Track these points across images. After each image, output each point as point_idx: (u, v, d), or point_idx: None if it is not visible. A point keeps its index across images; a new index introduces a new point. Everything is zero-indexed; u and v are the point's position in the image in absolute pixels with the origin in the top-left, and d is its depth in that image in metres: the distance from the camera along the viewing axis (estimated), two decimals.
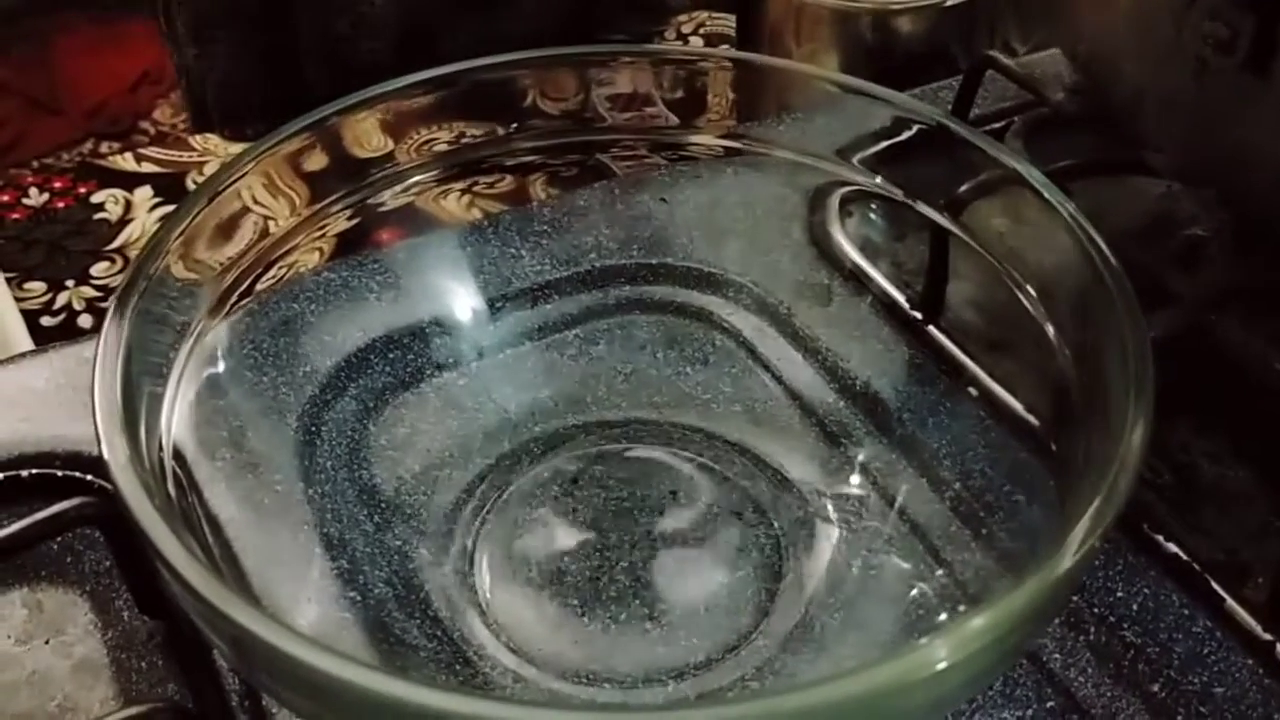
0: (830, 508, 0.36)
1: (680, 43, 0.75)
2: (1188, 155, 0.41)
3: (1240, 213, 0.44)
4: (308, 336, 0.38)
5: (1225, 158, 0.37)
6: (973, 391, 0.37)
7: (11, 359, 0.41)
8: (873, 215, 0.43)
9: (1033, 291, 0.33)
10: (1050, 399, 0.32)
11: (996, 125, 0.50)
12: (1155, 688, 0.32)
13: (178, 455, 0.30)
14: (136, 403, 0.28)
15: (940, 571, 0.33)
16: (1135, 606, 0.34)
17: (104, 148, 0.69)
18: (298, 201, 0.36)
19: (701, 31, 0.77)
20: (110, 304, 0.30)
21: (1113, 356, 0.28)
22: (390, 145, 0.38)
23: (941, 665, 0.23)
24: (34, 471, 0.37)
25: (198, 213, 0.32)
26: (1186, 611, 0.34)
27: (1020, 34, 0.64)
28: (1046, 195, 0.32)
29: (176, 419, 0.31)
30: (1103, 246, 0.30)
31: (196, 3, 0.64)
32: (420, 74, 0.37)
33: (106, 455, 0.26)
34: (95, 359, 0.28)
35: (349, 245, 0.38)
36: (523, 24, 0.71)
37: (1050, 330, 0.32)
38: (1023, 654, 0.32)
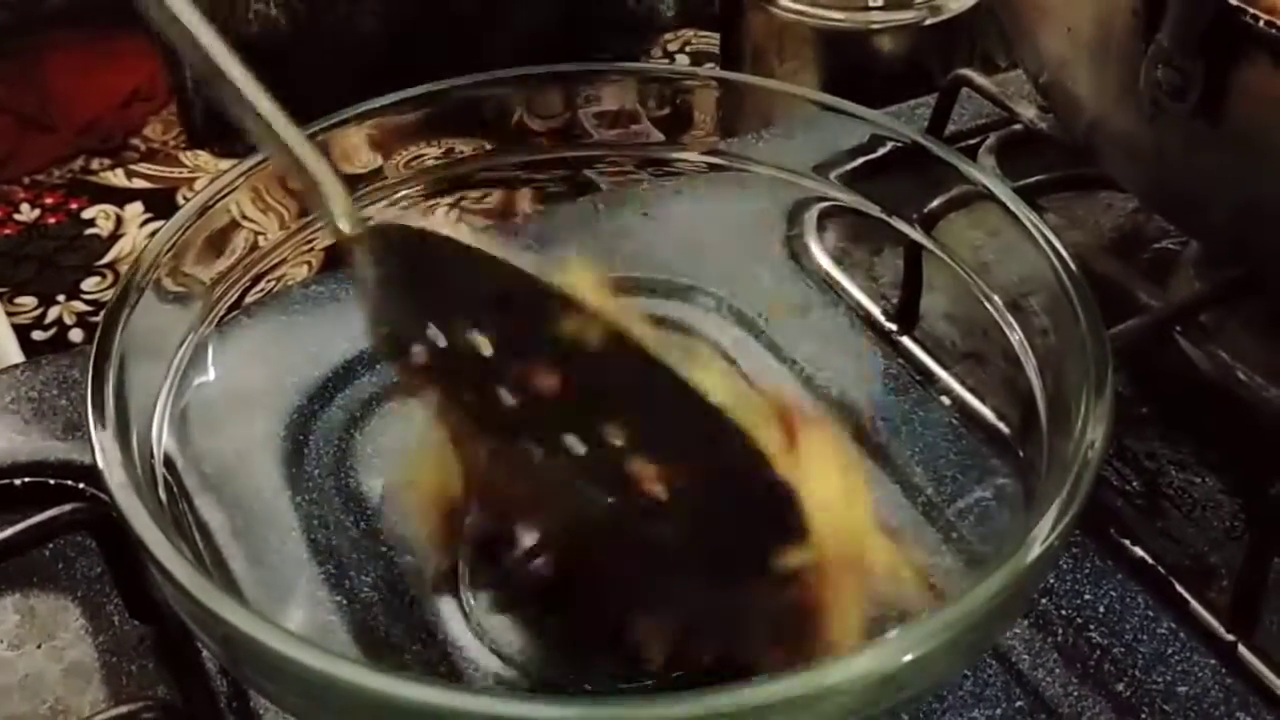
0: None
1: (666, 61, 0.76)
2: (1143, 189, 0.42)
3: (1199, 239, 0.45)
4: (296, 347, 0.39)
5: (1181, 195, 0.38)
6: (945, 400, 0.38)
7: (4, 370, 0.42)
8: (849, 229, 0.44)
9: (1001, 302, 0.34)
10: (1018, 406, 0.33)
11: (971, 142, 0.51)
12: (1121, 687, 0.33)
13: (168, 463, 0.31)
14: (128, 412, 0.29)
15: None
16: (1102, 609, 0.35)
17: (95, 164, 0.69)
18: (286, 216, 0.37)
19: (687, 50, 0.77)
20: (102, 316, 0.30)
21: (1074, 362, 0.29)
22: (379, 161, 0.38)
23: (908, 658, 0.23)
24: (27, 480, 0.37)
25: (188, 227, 0.33)
26: (1152, 613, 0.35)
27: (1003, 49, 0.65)
28: (1012, 208, 0.33)
29: (167, 428, 0.31)
30: (1065, 256, 0.31)
31: None
32: (409, 91, 0.37)
33: (99, 462, 0.27)
34: (88, 370, 0.29)
35: (338, 259, 0.39)
36: (511, 42, 0.72)
37: (1017, 339, 0.33)
38: (989, 648, 0.33)
